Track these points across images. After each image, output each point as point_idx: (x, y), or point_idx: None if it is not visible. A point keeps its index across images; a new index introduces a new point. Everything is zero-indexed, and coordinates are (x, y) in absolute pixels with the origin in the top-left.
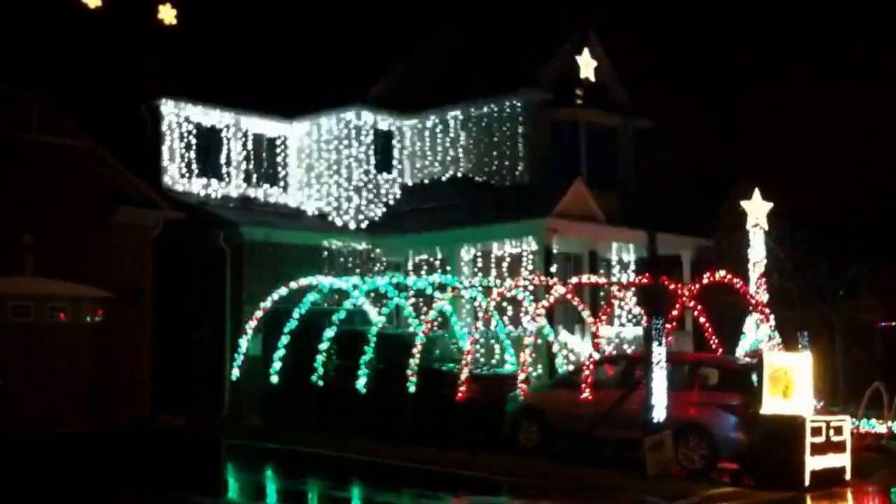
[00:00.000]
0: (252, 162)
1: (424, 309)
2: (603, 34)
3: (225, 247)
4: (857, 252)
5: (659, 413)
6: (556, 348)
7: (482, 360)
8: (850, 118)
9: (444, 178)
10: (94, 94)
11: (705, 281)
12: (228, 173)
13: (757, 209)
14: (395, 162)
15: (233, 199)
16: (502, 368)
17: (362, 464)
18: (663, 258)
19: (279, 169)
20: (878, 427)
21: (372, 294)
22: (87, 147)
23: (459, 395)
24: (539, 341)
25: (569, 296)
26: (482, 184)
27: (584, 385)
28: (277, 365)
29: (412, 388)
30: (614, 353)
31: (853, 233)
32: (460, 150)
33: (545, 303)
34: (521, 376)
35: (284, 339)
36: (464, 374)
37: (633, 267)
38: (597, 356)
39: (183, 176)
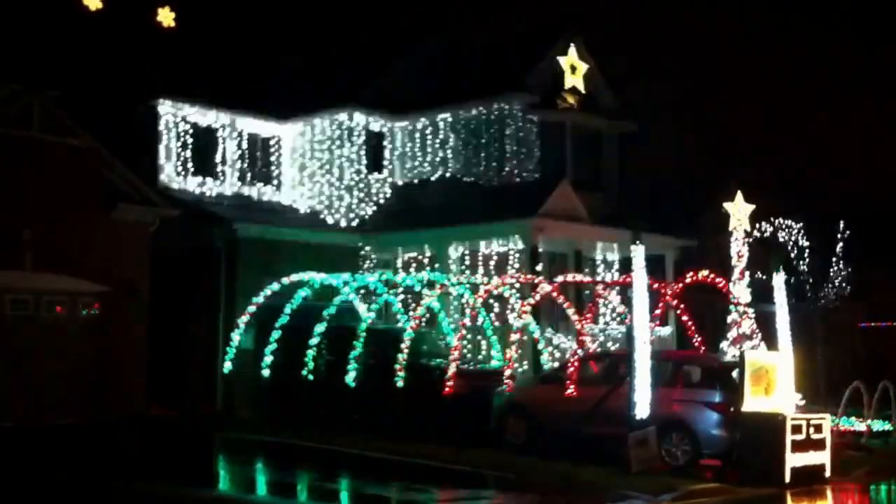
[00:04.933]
0: (247, 161)
1: (413, 305)
2: (590, 38)
3: (219, 243)
4: (838, 253)
5: (643, 410)
6: (541, 345)
7: (469, 356)
8: (835, 120)
9: (433, 179)
10: (93, 93)
11: (688, 280)
12: (223, 172)
13: (739, 211)
14: (385, 162)
15: (227, 197)
16: (489, 364)
17: (351, 457)
18: (647, 258)
19: (273, 168)
20: (858, 425)
21: (362, 290)
22: (87, 145)
23: (447, 390)
24: (525, 338)
25: (554, 294)
26: (470, 184)
27: (569, 381)
28: (269, 359)
29: (400, 383)
30: (599, 350)
31: (835, 233)
32: (449, 151)
33: (531, 300)
34: (508, 372)
35: (276, 334)
36: (451, 370)
37: (617, 266)
38: (581, 353)
39: (179, 174)
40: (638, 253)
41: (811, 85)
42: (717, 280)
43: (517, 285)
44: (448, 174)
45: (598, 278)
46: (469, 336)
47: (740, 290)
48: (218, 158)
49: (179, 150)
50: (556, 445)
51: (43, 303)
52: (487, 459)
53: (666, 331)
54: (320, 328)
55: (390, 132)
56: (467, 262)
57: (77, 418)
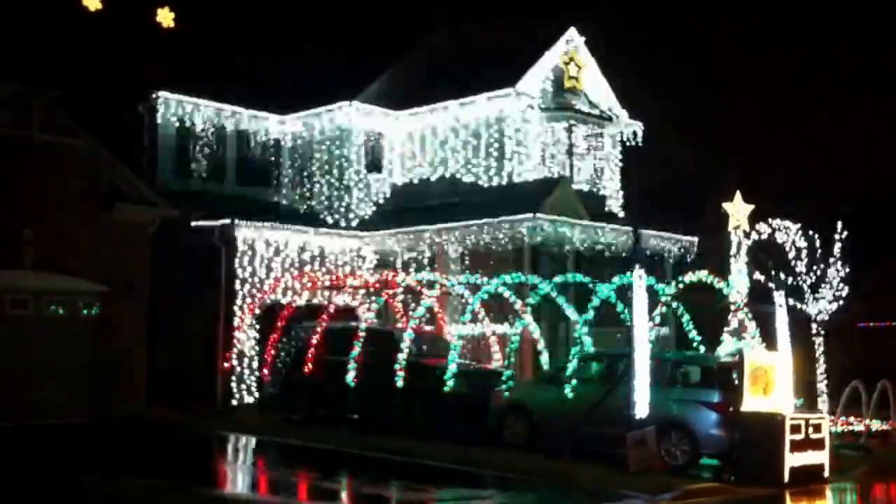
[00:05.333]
0: (246, 161)
1: (413, 305)
2: (590, 38)
3: (219, 243)
4: (837, 253)
5: (642, 410)
6: (541, 345)
7: (469, 356)
8: (835, 120)
9: (433, 178)
10: (93, 94)
11: (687, 280)
12: (223, 172)
13: (738, 211)
14: (385, 162)
15: (227, 197)
16: (488, 364)
17: (351, 456)
18: (647, 257)
19: (273, 168)
20: (857, 425)
21: (362, 290)
22: (87, 145)
23: (446, 390)
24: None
25: (554, 293)
26: (471, 184)
27: (568, 381)
28: (269, 359)
29: (400, 383)
30: (598, 350)
31: (834, 233)
32: (449, 151)
33: (531, 300)
34: (507, 372)
35: (276, 335)
36: (451, 370)
37: (616, 266)
38: (581, 353)
39: (179, 174)
40: (637, 253)
41: (811, 85)
42: (717, 280)
43: (516, 285)
44: (448, 174)
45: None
46: (468, 336)
47: (738, 291)
48: (218, 158)
49: (179, 150)
50: (555, 445)
51: (43, 303)
52: (487, 459)
53: (665, 331)
54: (320, 328)
55: (390, 132)
56: (467, 262)
57: (77, 418)
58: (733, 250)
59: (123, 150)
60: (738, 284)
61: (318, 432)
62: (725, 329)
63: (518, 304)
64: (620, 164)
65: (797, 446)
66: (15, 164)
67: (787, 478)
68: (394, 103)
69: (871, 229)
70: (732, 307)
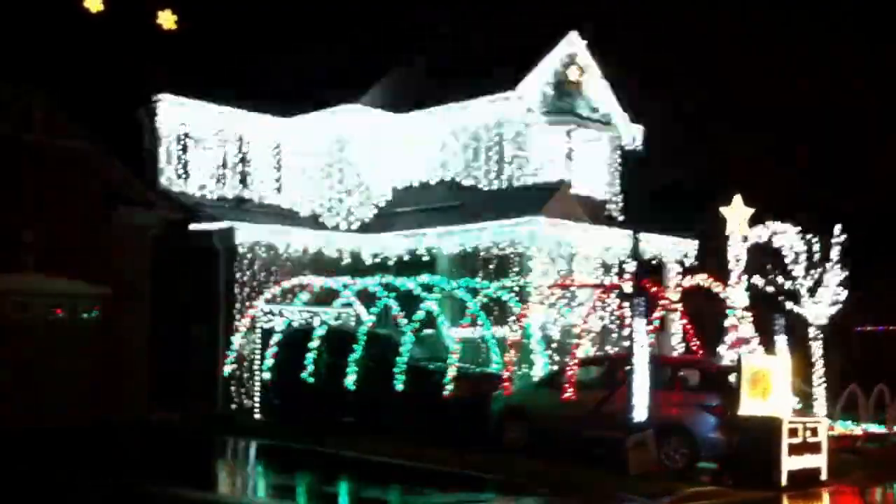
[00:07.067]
0: (248, 164)
1: (413, 309)
2: (591, 41)
3: (220, 246)
4: (835, 257)
5: (641, 413)
6: (540, 348)
7: (468, 359)
8: (835, 120)
9: (433, 181)
10: (94, 95)
11: (687, 284)
12: (224, 174)
13: (737, 215)
14: (385, 165)
15: (228, 199)
16: (488, 368)
17: (350, 460)
18: (647, 261)
19: (273, 171)
20: (855, 428)
21: (362, 294)
22: (88, 147)
23: (446, 393)
24: (524, 341)
25: (553, 297)
26: (470, 187)
27: (567, 385)
28: (270, 363)
29: (400, 387)
30: (598, 353)
31: (832, 236)
32: (449, 154)
33: (530, 303)
34: (506, 375)
35: (276, 338)
36: (450, 373)
37: (616, 269)
38: (580, 356)
39: (180, 177)
40: (637, 256)
41: (811, 86)
42: (716, 283)
43: (516, 288)
44: (448, 177)
45: (598, 281)
46: (468, 339)
47: (737, 294)
48: (219, 161)
49: (180, 152)
50: (554, 448)
51: (44, 305)
52: (487, 462)
53: (665, 334)
54: (320, 332)
55: (390, 134)
56: (467, 265)
57: (78, 420)
58: (731, 254)
59: (124, 152)
60: (736, 288)
61: (317, 436)
62: (723, 342)
63: (518, 307)
64: (621, 168)
65: (795, 450)
66: (15, 165)
67: (784, 481)
68: (394, 106)
69: (870, 231)
70: (731, 312)
